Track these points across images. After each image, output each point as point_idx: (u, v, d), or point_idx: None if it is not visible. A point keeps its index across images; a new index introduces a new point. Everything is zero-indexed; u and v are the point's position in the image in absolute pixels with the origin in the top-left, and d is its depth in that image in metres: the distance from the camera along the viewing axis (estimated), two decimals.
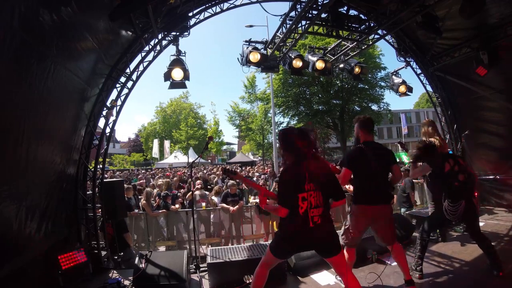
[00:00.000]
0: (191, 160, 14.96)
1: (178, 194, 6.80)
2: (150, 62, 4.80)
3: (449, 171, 3.13)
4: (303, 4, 4.24)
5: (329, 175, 2.40)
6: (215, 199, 6.32)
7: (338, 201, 2.42)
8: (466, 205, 3.10)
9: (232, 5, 5.02)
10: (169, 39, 4.74)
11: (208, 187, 8.95)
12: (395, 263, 3.73)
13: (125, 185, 5.38)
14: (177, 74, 4.53)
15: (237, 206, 5.72)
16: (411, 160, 3.55)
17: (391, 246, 2.92)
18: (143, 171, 19.57)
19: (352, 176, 2.94)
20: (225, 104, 74.44)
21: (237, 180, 5.32)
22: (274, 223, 5.73)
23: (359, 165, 2.85)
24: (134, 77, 4.71)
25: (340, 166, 3.13)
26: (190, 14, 4.70)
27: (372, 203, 2.82)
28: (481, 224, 4.59)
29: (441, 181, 3.23)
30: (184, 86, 4.64)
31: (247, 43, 5.39)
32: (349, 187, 6.73)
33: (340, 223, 6.14)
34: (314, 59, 5.70)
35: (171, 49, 4.75)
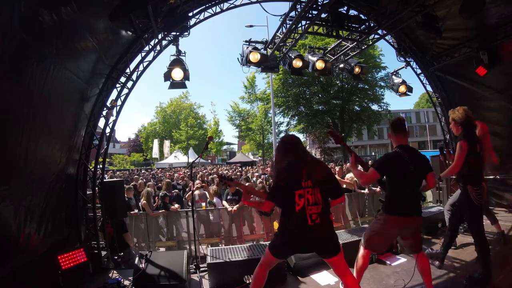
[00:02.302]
0: (191, 160, 14.95)
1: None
2: (150, 62, 4.80)
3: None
4: (303, 4, 4.24)
5: (328, 173, 2.42)
6: (214, 200, 6.30)
7: (336, 199, 2.42)
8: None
9: (232, 5, 5.02)
10: (169, 39, 4.74)
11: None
12: (395, 263, 3.75)
13: (125, 185, 5.38)
14: (177, 74, 4.54)
15: (236, 206, 5.71)
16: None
17: (417, 255, 2.67)
18: (143, 171, 19.55)
19: (385, 181, 2.70)
20: (225, 104, 74.69)
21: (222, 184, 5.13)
22: (274, 223, 5.72)
23: (395, 171, 2.56)
24: (134, 77, 4.70)
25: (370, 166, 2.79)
26: (190, 14, 4.71)
27: (405, 215, 2.55)
28: None
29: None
30: (184, 86, 4.66)
31: (247, 43, 5.39)
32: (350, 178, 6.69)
33: (340, 223, 6.13)
34: (314, 59, 5.70)
35: (171, 49, 4.77)
